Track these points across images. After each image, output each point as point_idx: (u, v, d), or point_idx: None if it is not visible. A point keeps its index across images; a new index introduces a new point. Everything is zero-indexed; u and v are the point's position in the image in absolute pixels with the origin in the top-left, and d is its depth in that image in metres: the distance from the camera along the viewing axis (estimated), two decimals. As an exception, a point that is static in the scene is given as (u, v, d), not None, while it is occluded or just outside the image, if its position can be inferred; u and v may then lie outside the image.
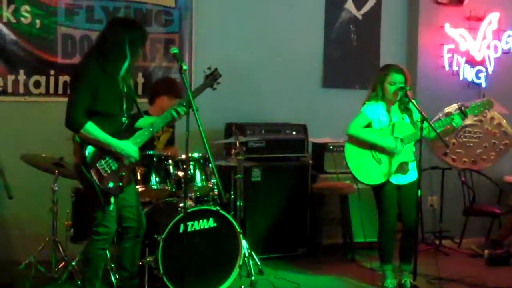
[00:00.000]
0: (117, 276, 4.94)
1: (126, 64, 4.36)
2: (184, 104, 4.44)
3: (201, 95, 4.67)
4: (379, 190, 5.26)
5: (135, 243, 4.66)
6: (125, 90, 4.43)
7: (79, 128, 4.20)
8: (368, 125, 5.24)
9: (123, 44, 4.29)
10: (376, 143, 5.18)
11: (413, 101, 5.12)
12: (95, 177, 4.25)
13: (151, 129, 4.49)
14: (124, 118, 4.42)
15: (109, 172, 4.31)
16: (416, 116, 5.17)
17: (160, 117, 4.54)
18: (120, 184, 4.36)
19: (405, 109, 5.27)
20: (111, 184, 4.32)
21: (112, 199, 4.35)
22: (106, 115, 4.31)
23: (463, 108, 5.16)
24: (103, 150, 4.29)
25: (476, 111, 5.25)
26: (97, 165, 4.27)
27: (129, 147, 4.37)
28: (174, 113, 4.51)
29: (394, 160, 5.18)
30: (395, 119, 5.23)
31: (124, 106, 4.41)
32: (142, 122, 4.57)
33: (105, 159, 4.31)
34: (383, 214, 5.29)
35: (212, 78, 4.68)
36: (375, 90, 5.26)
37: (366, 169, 5.23)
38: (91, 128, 4.21)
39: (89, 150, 4.26)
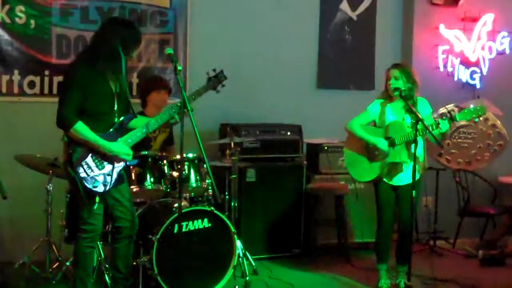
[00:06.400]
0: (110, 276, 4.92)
1: (118, 64, 4.31)
2: (179, 105, 4.41)
3: (196, 96, 4.66)
4: (375, 189, 5.30)
5: (127, 244, 4.63)
6: (118, 90, 4.41)
7: (69, 126, 4.20)
8: (374, 123, 5.32)
9: (114, 43, 4.28)
10: (368, 141, 5.21)
11: (409, 102, 5.11)
12: (79, 176, 4.24)
13: (144, 130, 4.46)
14: (116, 118, 4.40)
15: (95, 172, 4.30)
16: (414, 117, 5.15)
17: (155, 118, 4.51)
18: (106, 184, 4.34)
19: (408, 110, 5.26)
20: (96, 183, 4.30)
21: (97, 199, 4.33)
22: (96, 114, 4.30)
23: (452, 112, 5.10)
24: (91, 150, 4.28)
25: (468, 117, 5.09)
26: (83, 164, 4.26)
27: (119, 148, 4.34)
28: (172, 113, 4.46)
29: (385, 160, 5.19)
30: (395, 118, 5.23)
31: (116, 106, 4.39)
32: (136, 122, 4.53)
33: (92, 158, 4.29)
34: (379, 212, 5.33)
35: (217, 80, 4.65)
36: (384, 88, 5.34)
37: (359, 166, 5.27)
38: (81, 128, 4.21)
39: (76, 149, 4.25)
